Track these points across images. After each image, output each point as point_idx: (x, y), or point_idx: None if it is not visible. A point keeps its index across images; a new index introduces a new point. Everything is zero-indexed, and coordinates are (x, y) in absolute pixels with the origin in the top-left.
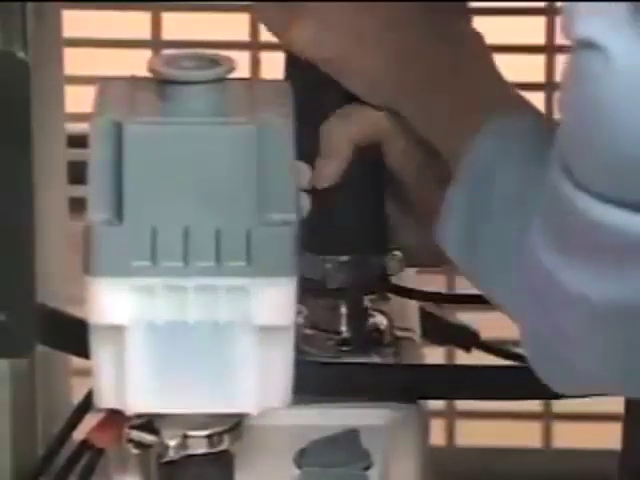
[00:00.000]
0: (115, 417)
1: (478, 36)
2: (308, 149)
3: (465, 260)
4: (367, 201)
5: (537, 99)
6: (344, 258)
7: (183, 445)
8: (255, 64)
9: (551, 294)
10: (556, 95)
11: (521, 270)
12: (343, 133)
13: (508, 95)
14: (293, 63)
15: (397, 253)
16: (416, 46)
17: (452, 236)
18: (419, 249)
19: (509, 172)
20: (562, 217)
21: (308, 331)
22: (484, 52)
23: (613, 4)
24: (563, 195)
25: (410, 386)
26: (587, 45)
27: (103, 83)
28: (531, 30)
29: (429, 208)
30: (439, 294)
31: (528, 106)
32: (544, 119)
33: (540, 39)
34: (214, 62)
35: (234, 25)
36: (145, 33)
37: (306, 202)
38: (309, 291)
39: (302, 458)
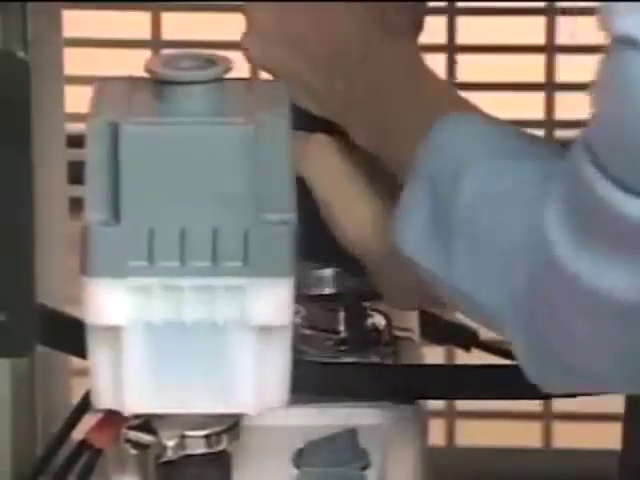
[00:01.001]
0: (113, 417)
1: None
2: None
3: (430, 263)
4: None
5: (537, 99)
6: (339, 266)
7: (181, 445)
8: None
9: (565, 291)
10: (556, 95)
11: (523, 270)
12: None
13: (459, 100)
14: None
15: None
16: (362, 65)
17: (413, 239)
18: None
19: (476, 165)
20: (591, 213)
21: (306, 331)
22: (427, 70)
23: None
24: (595, 192)
25: (409, 386)
26: (625, 42)
27: (100, 83)
28: (531, 30)
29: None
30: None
31: (477, 109)
32: (492, 120)
33: (540, 39)
34: (211, 62)
35: (234, 25)
36: (145, 33)
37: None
38: (306, 297)
39: (300, 458)
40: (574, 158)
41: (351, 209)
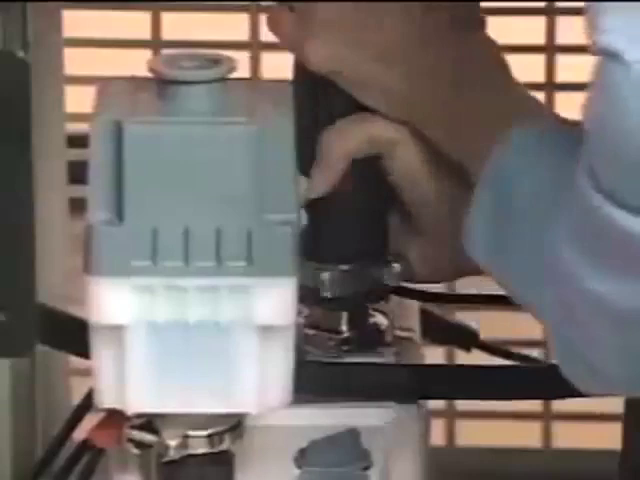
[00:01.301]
0: (115, 417)
1: (495, 46)
2: (308, 158)
3: (494, 264)
4: (367, 212)
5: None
6: (343, 268)
7: (183, 445)
8: (255, 64)
9: (579, 301)
10: (556, 95)
11: (549, 275)
12: (339, 146)
13: (531, 104)
14: (301, 70)
15: (395, 264)
16: (436, 63)
17: (480, 240)
18: (420, 266)
19: (535, 174)
20: (590, 226)
21: (309, 331)
22: (503, 62)
23: (636, 15)
24: (591, 204)
25: (410, 386)
26: (608, 54)
27: (103, 83)
28: (531, 30)
29: (434, 224)
30: (439, 294)
31: (550, 112)
32: (566, 124)
33: (540, 39)
34: (214, 62)
35: (234, 25)
36: (145, 33)
37: (302, 217)
38: (308, 299)
39: (302, 458)
40: (578, 181)
41: (429, 190)
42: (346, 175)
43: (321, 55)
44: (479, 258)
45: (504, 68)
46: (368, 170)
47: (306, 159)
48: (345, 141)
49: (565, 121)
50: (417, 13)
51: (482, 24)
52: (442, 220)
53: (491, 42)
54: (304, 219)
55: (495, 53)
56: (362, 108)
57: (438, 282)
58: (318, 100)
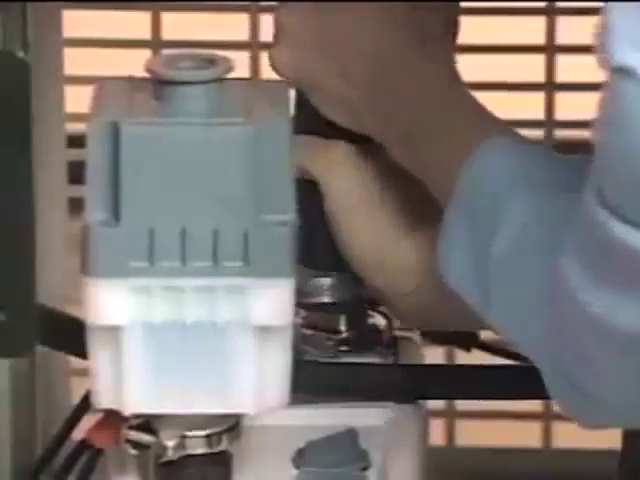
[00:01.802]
0: (113, 417)
1: (457, 74)
2: None
3: (473, 292)
4: None
5: (537, 99)
6: (343, 274)
7: (181, 445)
8: (255, 64)
9: (579, 321)
10: (556, 95)
11: (545, 295)
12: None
13: (495, 121)
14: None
15: None
16: (398, 78)
17: (455, 272)
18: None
19: (512, 191)
20: (595, 241)
21: (307, 331)
22: (459, 80)
23: None
24: (596, 220)
25: (409, 386)
26: (623, 73)
27: (101, 83)
28: (531, 30)
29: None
30: None
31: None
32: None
33: (540, 39)
34: (212, 62)
35: (234, 25)
36: (145, 33)
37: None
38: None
39: (300, 458)
40: (585, 198)
41: (363, 223)
42: None
43: (285, 63)
44: (456, 286)
45: (461, 84)
46: None
47: None
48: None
49: (526, 139)
50: (386, 29)
51: (453, 37)
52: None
53: (451, 59)
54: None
55: (454, 69)
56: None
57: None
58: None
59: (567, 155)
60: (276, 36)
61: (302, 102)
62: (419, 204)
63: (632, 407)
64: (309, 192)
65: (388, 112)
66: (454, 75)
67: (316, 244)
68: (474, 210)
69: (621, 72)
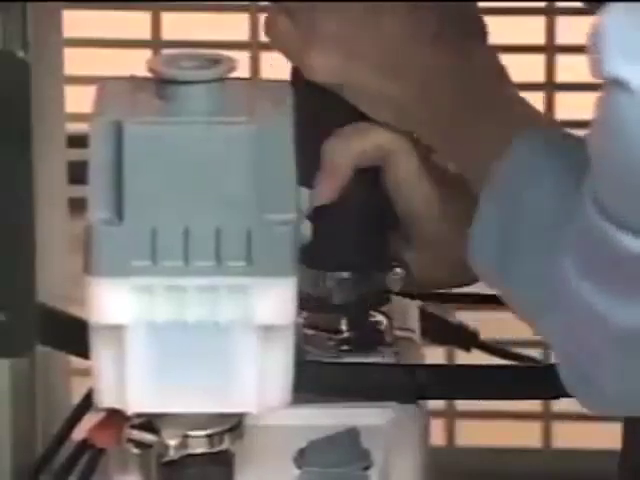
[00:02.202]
0: (115, 417)
1: (498, 62)
2: (310, 166)
3: (497, 279)
4: (368, 218)
5: (537, 99)
6: (345, 275)
7: (183, 445)
8: (255, 64)
9: (582, 319)
10: (556, 95)
11: (553, 295)
12: (344, 153)
13: (533, 115)
14: (299, 79)
15: (398, 270)
16: (438, 73)
17: (483, 256)
18: (418, 275)
19: (540, 188)
20: (594, 247)
21: (308, 331)
22: (506, 77)
23: None
24: (594, 226)
25: (410, 386)
26: (616, 84)
27: (103, 83)
28: (531, 30)
29: (431, 237)
30: (439, 294)
31: (551, 123)
32: (574, 138)
33: (540, 39)
34: (214, 62)
35: (234, 25)
36: (145, 33)
37: (307, 228)
38: (310, 305)
39: (302, 458)
40: (582, 203)
41: (426, 193)
42: (349, 183)
43: (323, 67)
44: (482, 273)
45: (507, 80)
46: (371, 178)
47: (307, 169)
48: (349, 150)
49: (566, 132)
50: (418, 23)
51: (484, 35)
52: (439, 233)
53: (494, 54)
54: (308, 229)
55: (498, 66)
56: (362, 117)
57: (437, 289)
58: (319, 110)
59: None
60: (310, 43)
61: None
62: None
63: (632, 396)
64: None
65: (431, 108)
66: (498, 72)
67: (318, 244)
68: (504, 202)
69: (614, 84)
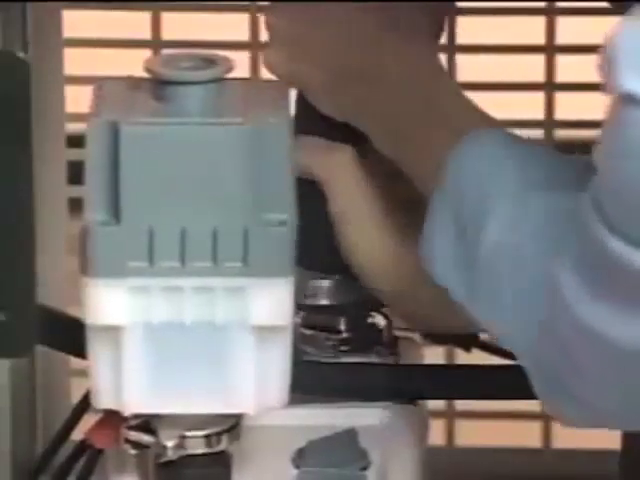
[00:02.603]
0: (113, 417)
1: (440, 66)
2: None
3: (454, 282)
4: None
5: (537, 99)
6: (342, 277)
7: (181, 445)
8: (255, 64)
9: (573, 330)
10: (556, 95)
11: (538, 299)
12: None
13: (485, 117)
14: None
15: None
16: (387, 77)
17: (440, 266)
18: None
19: (498, 179)
20: (593, 257)
21: (306, 331)
22: (449, 80)
23: None
24: (595, 235)
25: (410, 386)
26: (628, 100)
27: (100, 83)
28: (531, 30)
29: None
30: None
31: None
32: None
33: (540, 39)
34: (211, 62)
35: (234, 25)
36: (145, 33)
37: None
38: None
39: (300, 458)
40: (583, 213)
41: (365, 226)
42: None
43: (276, 64)
44: (437, 276)
45: (449, 81)
46: None
47: None
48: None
49: (511, 132)
50: (370, 25)
51: (439, 28)
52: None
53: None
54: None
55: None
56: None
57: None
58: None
59: (555, 152)
60: (269, 41)
61: (303, 103)
62: (415, 205)
63: (618, 412)
64: (309, 192)
65: (376, 106)
66: (441, 72)
67: (315, 245)
68: (459, 196)
69: (627, 99)
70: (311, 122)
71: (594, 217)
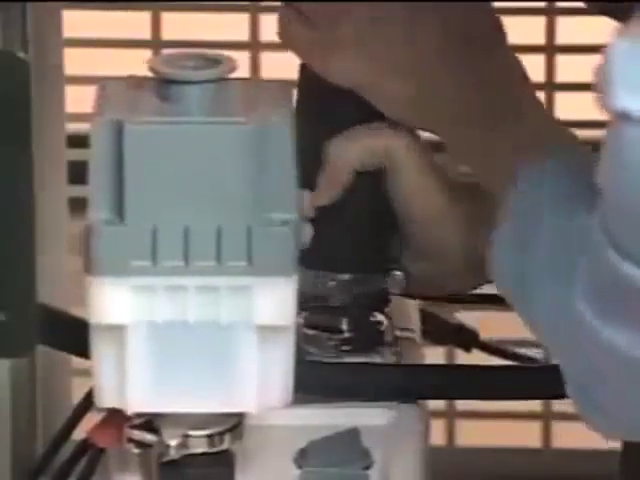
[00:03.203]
0: (115, 416)
1: (519, 65)
2: (312, 167)
3: (518, 299)
4: (368, 220)
5: None
6: (345, 276)
7: (184, 445)
8: (255, 64)
9: (593, 348)
10: (556, 95)
11: (565, 322)
12: (345, 157)
13: (556, 129)
14: (306, 78)
15: (397, 272)
16: (459, 79)
17: (505, 273)
18: (415, 281)
19: (559, 210)
20: (603, 277)
21: (309, 331)
22: (528, 85)
23: None
24: (604, 257)
25: (410, 386)
26: (624, 117)
27: (103, 83)
28: (531, 30)
29: (431, 242)
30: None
31: (577, 142)
32: (589, 156)
33: (540, 39)
34: (214, 61)
35: (234, 25)
36: (145, 33)
37: (307, 231)
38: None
39: (302, 458)
40: (593, 235)
41: (436, 202)
42: (350, 184)
43: (342, 70)
44: (504, 290)
45: (525, 86)
46: (372, 179)
47: (309, 171)
48: (349, 153)
49: (582, 149)
50: (437, 28)
51: (503, 38)
52: (440, 239)
53: (516, 61)
54: (308, 233)
55: (514, 72)
56: (369, 119)
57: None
58: (322, 112)
59: None
60: (327, 44)
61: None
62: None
63: None
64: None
65: (446, 112)
66: (514, 78)
67: (319, 245)
68: (521, 223)
69: (622, 117)
70: (314, 104)
71: (603, 238)
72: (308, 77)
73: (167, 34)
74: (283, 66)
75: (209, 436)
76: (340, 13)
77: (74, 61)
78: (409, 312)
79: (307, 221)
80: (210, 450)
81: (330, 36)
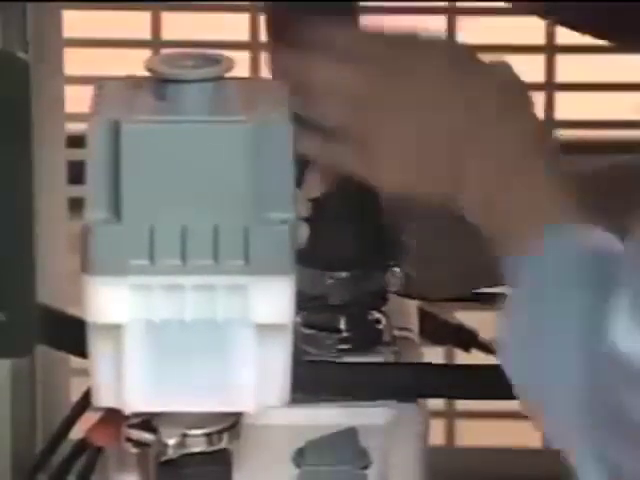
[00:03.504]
0: (113, 416)
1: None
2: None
3: (526, 389)
4: (366, 218)
5: (537, 99)
6: (343, 274)
7: (182, 443)
8: (255, 64)
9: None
10: (556, 95)
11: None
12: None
13: (571, 202)
14: None
15: (396, 269)
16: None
17: (513, 361)
18: (417, 283)
19: (569, 295)
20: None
21: (307, 330)
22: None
23: None
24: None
25: (409, 385)
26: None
27: (101, 83)
28: (531, 30)
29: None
30: None
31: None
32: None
33: (540, 39)
34: (212, 61)
35: (234, 25)
36: (145, 33)
37: (304, 231)
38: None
39: (301, 457)
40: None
41: None
42: (349, 182)
43: (391, 182)
44: (512, 377)
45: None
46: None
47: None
48: None
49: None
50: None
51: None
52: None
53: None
54: (304, 232)
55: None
56: None
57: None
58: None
59: None
60: (372, 157)
61: None
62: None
63: None
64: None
65: (469, 179)
66: (535, 144)
67: (316, 244)
68: (532, 301)
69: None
70: None
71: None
72: None
73: (167, 34)
74: None
75: (207, 435)
76: (374, 125)
77: (74, 61)
78: (408, 312)
79: (303, 220)
80: (208, 449)
81: (372, 148)
